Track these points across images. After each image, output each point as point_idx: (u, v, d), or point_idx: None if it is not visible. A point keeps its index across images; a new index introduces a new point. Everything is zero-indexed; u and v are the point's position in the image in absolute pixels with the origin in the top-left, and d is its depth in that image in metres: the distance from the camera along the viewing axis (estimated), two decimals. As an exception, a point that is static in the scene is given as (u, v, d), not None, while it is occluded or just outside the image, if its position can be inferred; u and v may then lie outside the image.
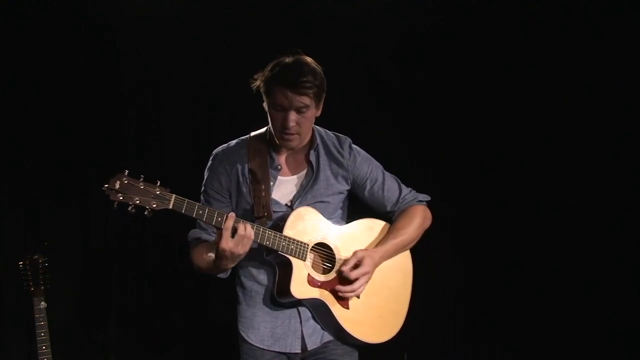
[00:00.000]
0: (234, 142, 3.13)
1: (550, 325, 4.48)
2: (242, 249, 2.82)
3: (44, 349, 3.54)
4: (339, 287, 2.99)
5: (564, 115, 4.44)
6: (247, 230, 2.81)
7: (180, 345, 4.50)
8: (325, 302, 3.00)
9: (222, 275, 3.06)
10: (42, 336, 3.55)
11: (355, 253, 3.04)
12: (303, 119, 2.95)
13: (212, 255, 2.91)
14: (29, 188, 4.31)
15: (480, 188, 4.54)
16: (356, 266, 3.01)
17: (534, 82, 4.47)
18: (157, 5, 4.37)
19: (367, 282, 3.03)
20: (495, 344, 4.59)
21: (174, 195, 2.80)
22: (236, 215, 2.94)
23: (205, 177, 3.10)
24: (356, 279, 2.99)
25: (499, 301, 4.54)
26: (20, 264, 3.57)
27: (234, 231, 2.80)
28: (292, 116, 2.93)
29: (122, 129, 4.46)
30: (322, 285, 3.00)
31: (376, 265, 3.05)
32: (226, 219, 2.81)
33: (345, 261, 3.02)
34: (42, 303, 3.57)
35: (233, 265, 2.92)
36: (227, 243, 2.80)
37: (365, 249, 3.06)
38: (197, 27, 4.42)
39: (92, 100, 4.38)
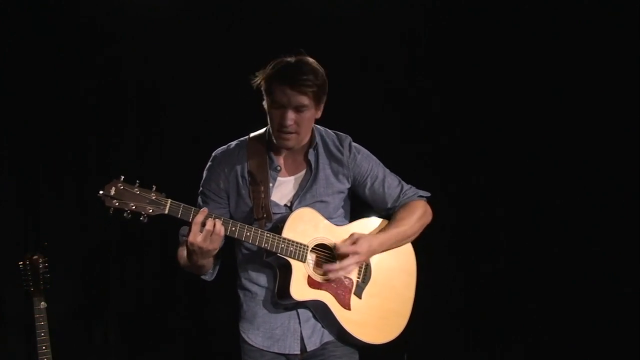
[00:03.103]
0: (233, 143, 3.13)
1: (552, 327, 4.47)
2: (211, 244, 2.82)
3: (44, 349, 3.54)
4: (328, 267, 2.96)
5: (569, 115, 4.43)
6: (216, 227, 2.80)
7: (181, 345, 4.51)
8: (326, 303, 3.00)
9: (205, 277, 3.08)
10: (42, 336, 3.54)
11: (352, 234, 3.03)
12: (301, 118, 2.94)
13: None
14: (29, 188, 4.31)
15: (484, 189, 4.53)
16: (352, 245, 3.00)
17: (538, 82, 4.47)
18: (157, 4, 4.36)
19: (356, 263, 3.00)
20: (497, 345, 4.59)
21: (169, 200, 2.81)
22: (237, 217, 2.99)
23: (204, 178, 3.10)
24: (346, 256, 2.97)
25: (501, 303, 4.53)
26: (20, 264, 3.56)
27: (203, 226, 2.80)
28: (290, 114, 2.92)
29: (122, 130, 4.45)
30: (322, 287, 3.00)
31: (372, 250, 3.03)
32: (195, 213, 2.80)
33: (343, 240, 3.01)
34: (42, 303, 3.56)
35: (204, 261, 2.92)
36: (195, 237, 2.80)
37: (365, 234, 3.04)
38: (197, 27, 4.42)
39: (92, 101, 4.38)
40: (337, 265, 2.97)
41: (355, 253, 2.99)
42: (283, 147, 3.02)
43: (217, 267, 3.10)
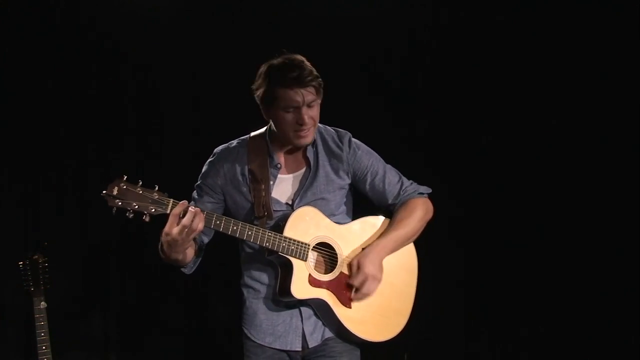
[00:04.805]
0: (234, 141, 3.14)
1: (554, 325, 4.47)
2: (187, 237, 2.79)
3: (44, 349, 3.54)
4: (355, 297, 3.01)
5: (571, 113, 4.43)
6: (194, 220, 2.78)
7: (181, 345, 4.50)
8: (327, 302, 3.00)
9: (185, 270, 3.06)
10: (42, 336, 3.55)
11: (351, 262, 3.04)
12: (314, 112, 2.97)
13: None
14: (29, 188, 4.31)
15: (486, 186, 4.53)
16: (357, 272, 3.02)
17: (537, 81, 4.47)
18: (157, 4, 4.37)
19: (374, 281, 3.02)
20: (497, 344, 4.59)
21: (171, 200, 2.81)
22: (239, 216, 3.01)
23: (203, 171, 3.11)
24: (362, 284, 3.00)
25: (502, 301, 4.53)
26: (20, 264, 3.57)
27: (181, 219, 2.78)
28: (307, 111, 2.94)
29: (123, 130, 4.46)
30: (323, 285, 3.00)
31: (376, 263, 3.04)
32: (174, 205, 2.79)
33: (350, 265, 3.03)
34: (42, 303, 3.56)
35: (178, 255, 2.90)
36: (170, 228, 2.79)
37: (361, 253, 3.06)
38: (197, 27, 4.42)
39: (93, 101, 4.38)
40: (359, 294, 3.01)
41: (366, 277, 3.01)
42: (303, 145, 3.02)
43: (198, 261, 3.08)
